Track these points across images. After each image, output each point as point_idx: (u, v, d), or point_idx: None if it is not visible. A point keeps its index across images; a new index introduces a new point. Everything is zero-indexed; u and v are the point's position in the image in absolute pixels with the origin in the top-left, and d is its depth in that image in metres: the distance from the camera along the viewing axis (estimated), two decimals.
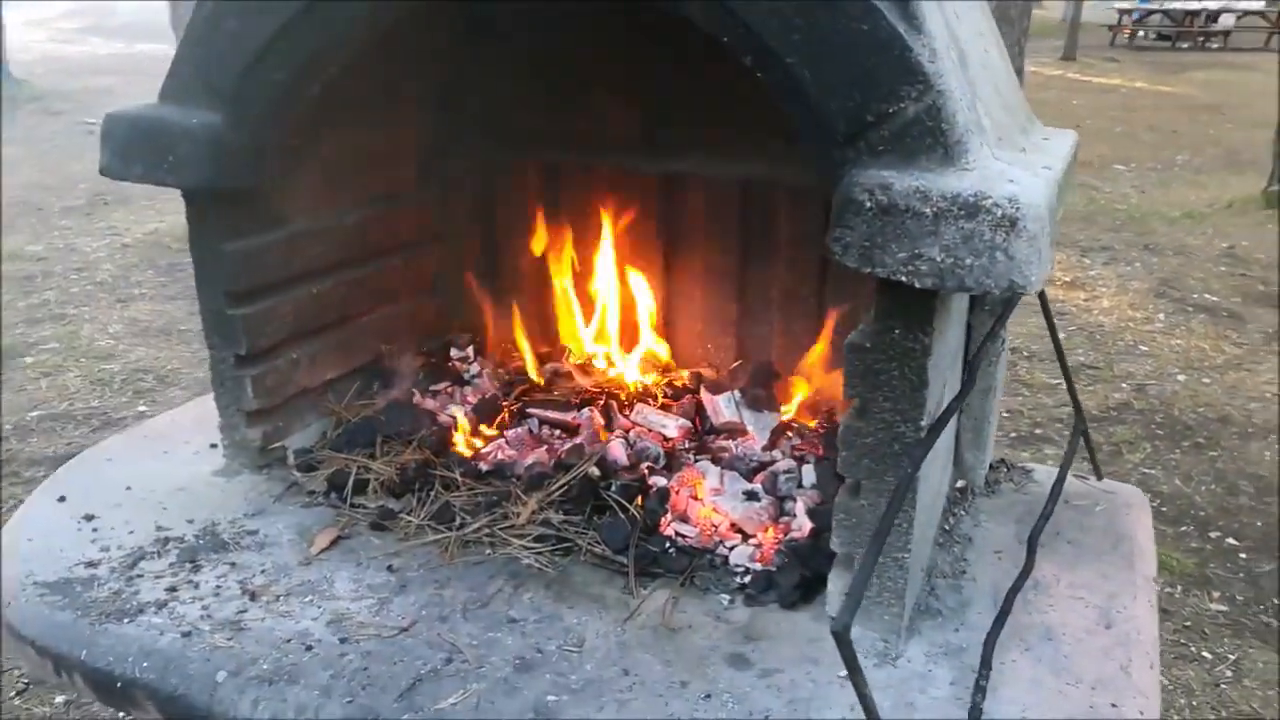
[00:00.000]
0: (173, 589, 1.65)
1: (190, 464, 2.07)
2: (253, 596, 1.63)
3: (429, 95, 2.24)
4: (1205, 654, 2.75)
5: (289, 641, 1.53)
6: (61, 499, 1.92)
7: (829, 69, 1.30)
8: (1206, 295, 5.62)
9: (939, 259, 1.21)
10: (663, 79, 2.06)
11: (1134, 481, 3.29)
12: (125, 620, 1.57)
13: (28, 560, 1.73)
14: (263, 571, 1.71)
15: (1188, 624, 2.86)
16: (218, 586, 1.67)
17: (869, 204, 1.25)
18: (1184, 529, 3.36)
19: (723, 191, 2.11)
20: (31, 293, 5.54)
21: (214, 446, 2.12)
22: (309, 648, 1.51)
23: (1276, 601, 2.93)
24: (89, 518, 1.86)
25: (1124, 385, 4.43)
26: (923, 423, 1.38)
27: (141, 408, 4.20)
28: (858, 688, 1.09)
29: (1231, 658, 2.72)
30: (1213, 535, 3.30)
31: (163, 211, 7.18)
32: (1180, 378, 4.53)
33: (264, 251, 1.93)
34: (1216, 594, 2.99)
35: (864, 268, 1.27)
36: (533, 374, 2.26)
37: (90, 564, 1.72)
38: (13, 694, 2.53)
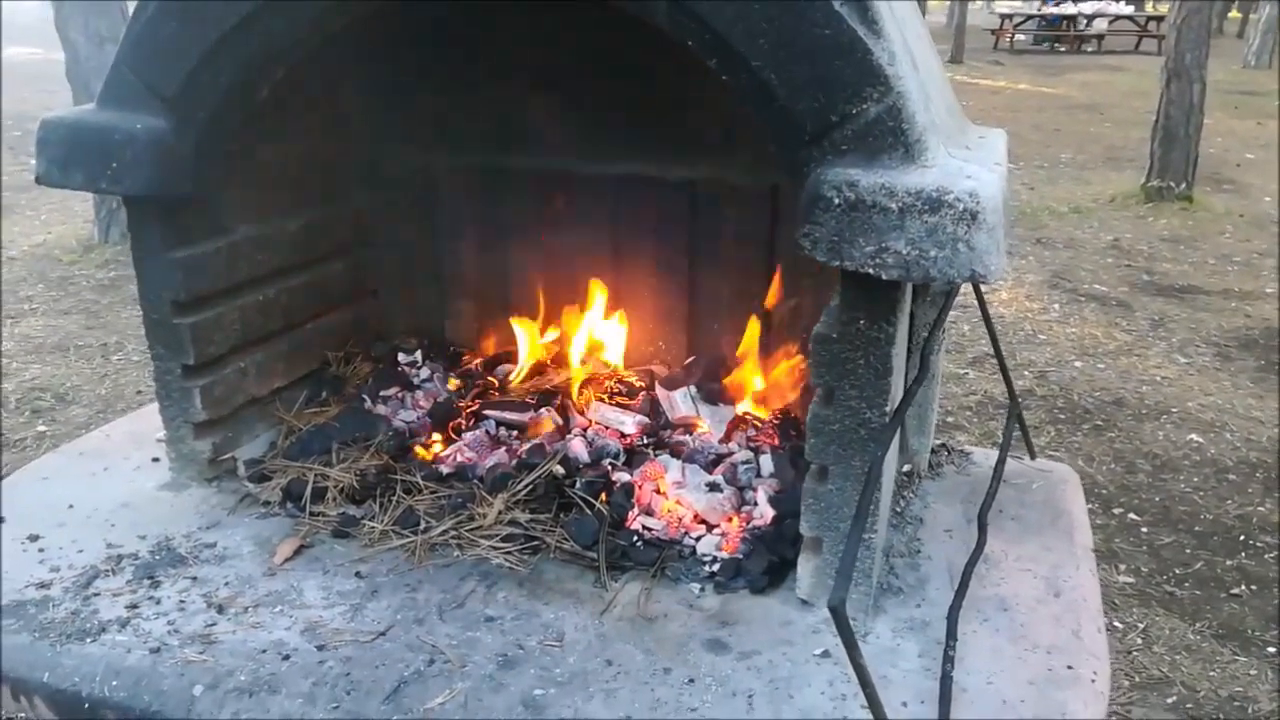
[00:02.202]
0: (134, 606, 1.61)
1: (133, 479, 2.01)
2: (220, 609, 1.60)
3: (370, 98, 2.23)
4: (1117, 624, 2.92)
5: (264, 652, 1.51)
6: (0, 520, 1.84)
7: (794, 72, 1.36)
8: (1096, 285, 5.94)
9: (905, 251, 1.28)
10: (607, 82, 2.10)
11: (1041, 459, 3.47)
12: (88, 640, 1.53)
13: None
14: (227, 584, 1.68)
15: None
16: (181, 601, 1.63)
17: (837, 200, 1.31)
18: (1090, 507, 3.53)
19: (670, 193, 2.15)
20: None
21: (156, 460, 2.06)
22: (286, 657, 1.50)
23: (1178, 572, 3.13)
24: (33, 538, 1.79)
25: (1026, 373, 4.66)
26: (887, 408, 1.45)
27: (41, 427, 4.00)
28: (855, 660, 1.15)
29: (1140, 626, 2.89)
30: (1116, 512, 3.50)
31: (50, 223, 6.85)
32: (1077, 364, 4.78)
33: (208, 259, 1.90)
34: (1123, 567, 3.17)
35: (833, 261, 1.33)
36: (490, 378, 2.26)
37: (42, 585, 1.66)
38: None
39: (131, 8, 1.94)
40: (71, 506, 1.90)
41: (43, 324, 5.07)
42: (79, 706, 1.45)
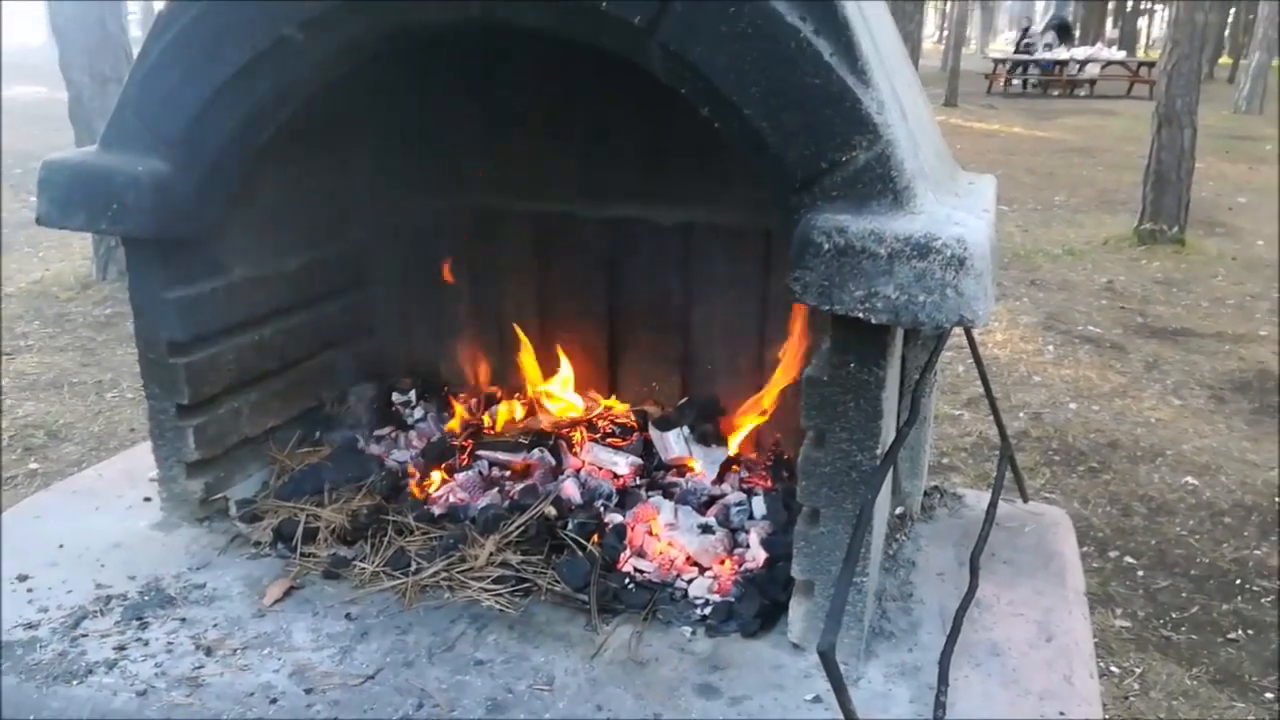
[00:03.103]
0: (121, 647, 1.60)
1: (124, 519, 2.00)
2: (208, 651, 1.59)
3: (369, 142, 2.26)
4: (1113, 669, 2.90)
5: (251, 695, 1.50)
6: None
7: (785, 120, 1.39)
8: (1090, 327, 5.97)
9: (894, 296, 1.30)
10: (604, 127, 2.13)
11: (1033, 502, 3.47)
12: (74, 681, 1.51)
13: None
14: (215, 626, 1.67)
15: (1095, 640, 3.02)
16: (169, 643, 1.62)
17: (827, 246, 1.32)
18: (1084, 549, 3.54)
19: (665, 235, 2.18)
20: None
21: (148, 500, 2.06)
22: (273, 700, 1.49)
23: (1174, 616, 3.11)
24: (22, 578, 1.78)
25: (1021, 414, 4.67)
26: (878, 451, 1.46)
27: (33, 465, 3.99)
28: (844, 705, 1.14)
29: (1137, 671, 2.87)
30: (1111, 555, 3.49)
31: (48, 260, 6.88)
32: (1072, 406, 4.80)
33: (206, 299, 1.91)
34: (1119, 610, 3.15)
35: (823, 305, 1.35)
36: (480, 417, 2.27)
37: (29, 625, 1.65)
38: None
39: (135, 49, 1.97)
40: (62, 546, 1.89)
41: (38, 361, 5.08)
42: None
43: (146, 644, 1.62)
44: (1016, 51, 22.17)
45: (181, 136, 1.70)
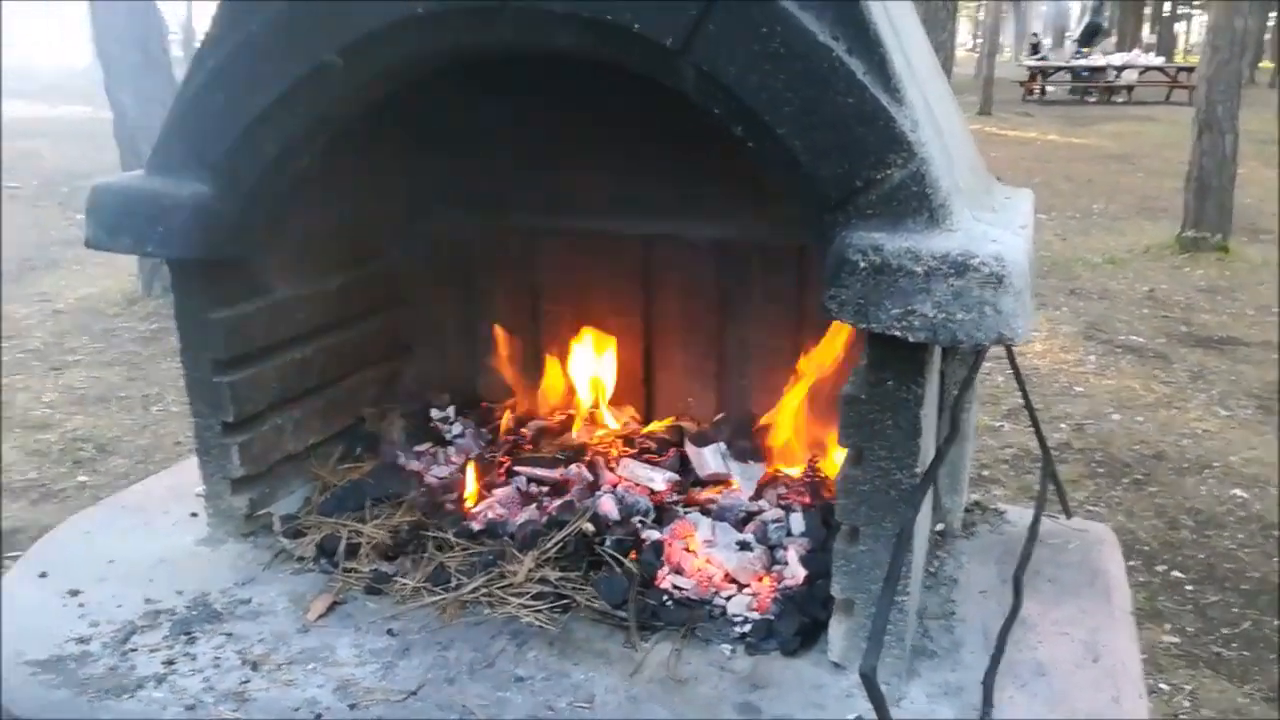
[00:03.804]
0: (170, 662, 1.63)
1: (171, 534, 2.04)
2: (254, 666, 1.62)
3: (406, 162, 2.29)
4: (1163, 685, 2.84)
5: (297, 710, 1.52)
6: (43, 575, 1.88)
7: (819, 139, 1.39)
8: (1133, 337, 5.88)
9: (931, 314, 1.30)
10: (638, 144, 2.14)
11: (1079, 518, 3.42)
12: (125, 696, 1.55)
13: (15, 639, 1.68)
14: (261, 640, 1.69)
15: (1143, 656, 2.96)
16: (216, 658, 1.65)
17: (863, 264, 1.32)
18: (1131, 564, 3.48)
19: (699, 252, 2.18)
20: None
21: (194, 515, 2.10)
22: (318, 716, 1.51)
23: (1225, 632, 3.05)
24: (74, 593, 1.82)
25: (1063, 426, 4.60)
26: (917, 469, 1.45)
27: (82, 478, 4.07)
28: None
29: (1188, 688, 2.81)
30: (1159, 569, 3.43)
31: (95, 276, 7.03)
32: (1115, 417, 4.72)
33: (249, 319, 1.94)
34: (1168, 626, 3.10)
35: (859, 323, 1.34)
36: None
37: (81, 640, 1.69)
38: None
39: (176, 70, 2.02)
40: (112, 561, 1.94)
41: (86, 375, 5.19)
42: None
43: (194, 659, 1.65)
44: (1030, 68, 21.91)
45: (224, 161, 1.73)
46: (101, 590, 1.83)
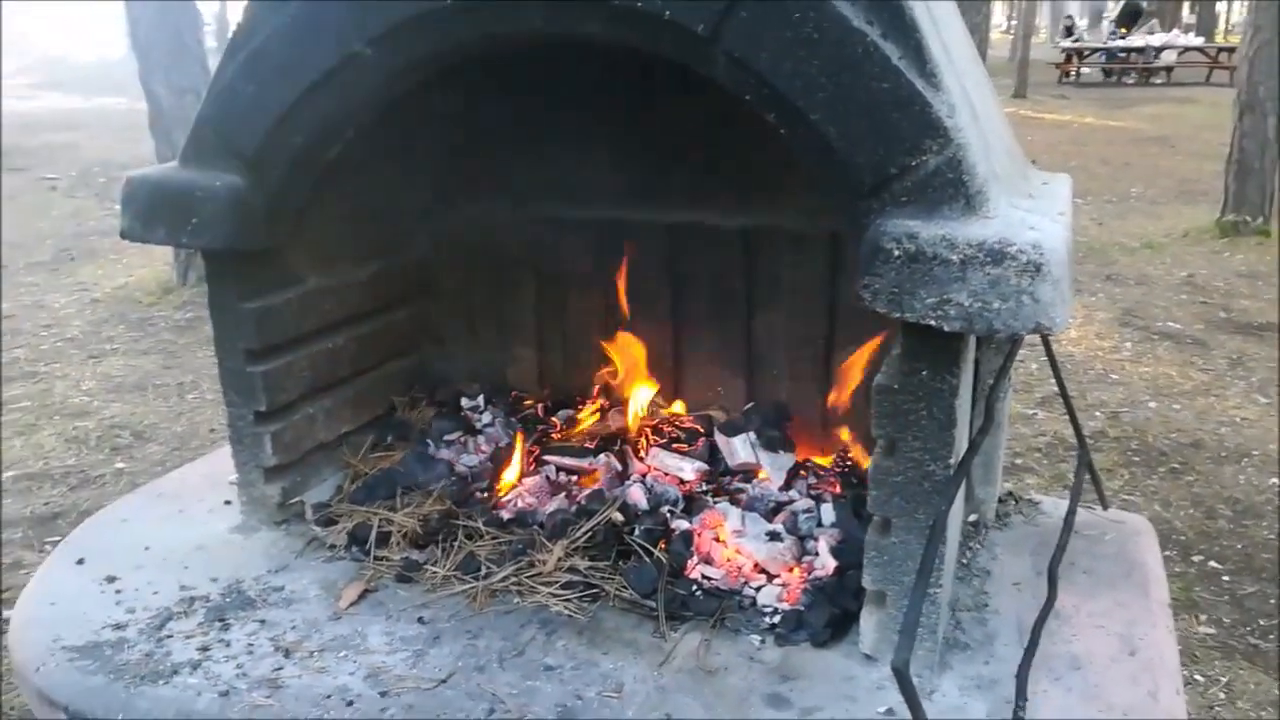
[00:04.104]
0: (205, 648, 1.65)
1: (206, 522, 2.06)
2: (287, 653, 1.63)
3: (435, 153, 2.29)
4: (1198, 677, 2.80)
5: (329, 698, 1.53)
6: (80, 561, 1.91)
7: (853, 125, 1.37)
8: (1170, 323, 5.78)
9: (967, 304, 1.27)
10: (665, 132, 2.12)
11: (1115, 508, 3.38)
12: (160, 682, 1.57)
13: (53, 625, 1.71)
14: (293, 628, 1.71)
15: (1179, 647, 2.92)
16: (250, 644, 1.66)
17: (897, 252, 1.30)
18: (1167, 554, 3.42)
19: (728, 240, 2.17)
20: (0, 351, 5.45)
21: (228, 503, 2.12)
22: (350, 703, 1.52)
23: (1262, 623, 3.00)
24: (110, 579, 1.85)
25: (1098, 414, 4.54)
26: (951, 460, 1.43)
27: (119, 464, 4.13)
28: None
29: (1223, 680, 2.77)
30: (1195, 559, 3.37)
31: (131, 266, 7.12)
32: (1151, 405, 4.65)
33: (281, 309, 1.96)
34: (1204, 617, 3.05)
35: (893, 312, 1.33)
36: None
37: (118, 626, 1.71)
38: None
39: (210, 60, 2.03)
40: (148, 548, 1.96)
41: (123, 363, 5.26)
42: None
43: (228, 645, 1.66)
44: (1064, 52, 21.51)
45: (256, 152, 1.74)
46: (138, 577, 1.86)
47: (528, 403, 2.39)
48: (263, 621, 1.73)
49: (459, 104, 2.17)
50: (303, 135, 1.75)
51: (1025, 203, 1.46)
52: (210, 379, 4.81)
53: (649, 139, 2.16)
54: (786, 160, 1.54)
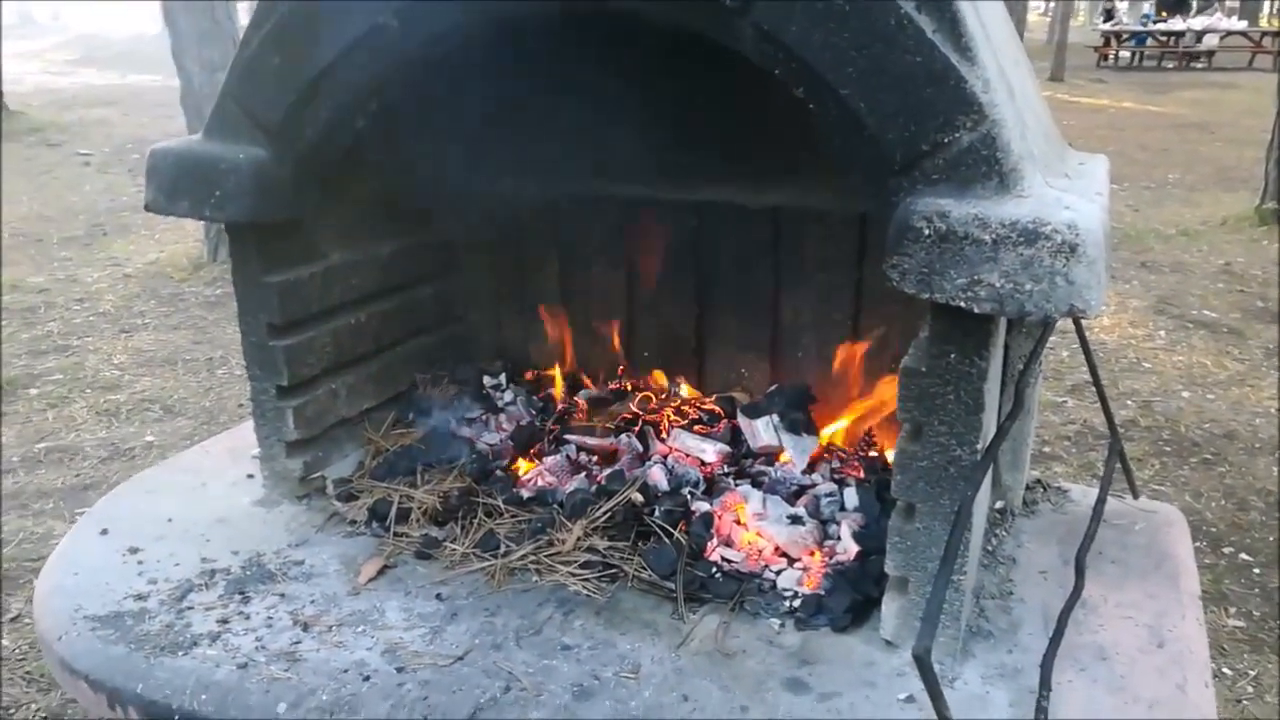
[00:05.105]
0: (224, 620, 1.66)
1: (228, 495, 2.07)
2: (305, 627, 1.64)
3: (460, 128, 2.27)
4: (1225, 670, 2.76)
5: (346, 672, 1.53)
6: (104, 532, 1.92)
7: (884, 100, 1.33)
8: (1206, 312, 5.67)
9: (998, 285, 1.24)
10: (691, 109, 2.09)
11: (1145, 498, 3.32)
12: (180, 653, 1.57)
13: (75, 594, 1.73)
14: (312, 602, 1.71)
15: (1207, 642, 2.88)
16: (269, 618, 1.67)
17: (927, 231, 1.27)
18: (1197, 545, 3.36)
19: (754, 219, 2.13)
20: (34, 324, 5.51)
21: (250, 477, 2.13)
22: (366, 678, 1.52)
23: None
24: (133, 550, 1.86)
25: (1129, 402, 4.46)
26: (978, 445, 1.40)
27: (149, 437, 4.18)
28: (940, 712, 1.10)
29: (1252, 673, 2.73)
30: (1226, 551, 3.32)
31: (163, 242, 7.18)
32: (1184, 394, 4.56)
33: (303, 284, 1.95)
34: (1233, 610, 3.00)
35: (922, 293, 1.29)
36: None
37: (139, 597, 1.72)
38: None
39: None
40: (170, 520, 1.97)
41: (154, 338, 5.31)
42: (170, 719, 1.49)
43: (248, 618, 1.67)
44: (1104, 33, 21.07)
45: (279, 124, 1.73)
46: (160, 548, 1.87)
47: (548, 381, 2.37)
48: (282, 595, 1.73)
49: (485, 80, 2.14)
50: (327, 108, 1.73)
51: (1061, 182, 1.41)
52: (239, 355, 4.77)
53: (677, 116, 2.13)
54: (816, 138, 1.51)
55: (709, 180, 2.14)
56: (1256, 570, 3.19)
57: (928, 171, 1.33)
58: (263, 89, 1.73)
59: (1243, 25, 20.98)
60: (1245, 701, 2.62)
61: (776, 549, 1.78)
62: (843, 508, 1.86)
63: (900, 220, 1.29)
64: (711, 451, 2.04)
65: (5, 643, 2.64)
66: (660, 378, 2.34)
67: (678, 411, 2.20)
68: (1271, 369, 4.82)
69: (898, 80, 1.32)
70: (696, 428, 2.14)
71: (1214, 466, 3.88)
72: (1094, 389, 2.07)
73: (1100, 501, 1.79)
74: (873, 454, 2.01)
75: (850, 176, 1.48)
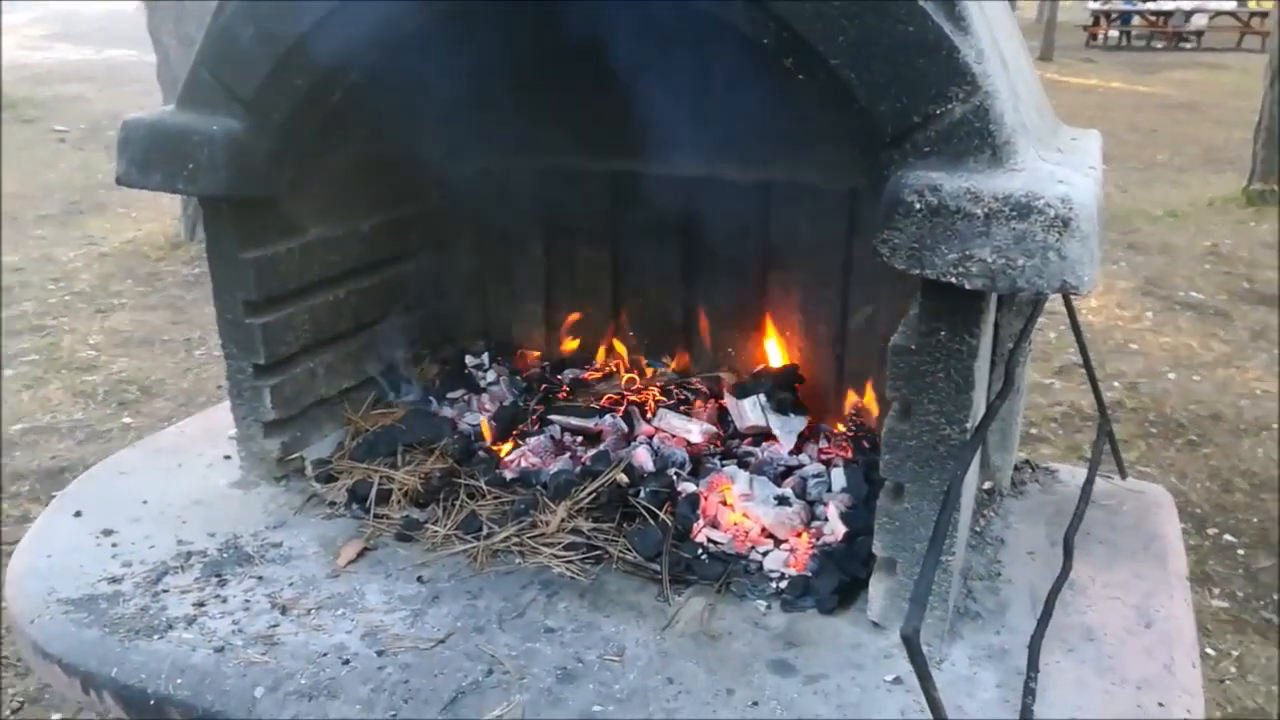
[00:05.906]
0: (200, 604, 1.62)
1: (205, 476, 2.03)
2: (283, 610, 1.61)
3: (441, 102, 2.22)
4: (1209, 650, 2.77)
5: (325, 655, 1.50)
6: (78, 514, 1.88)
7: (875, 71, 1.30)
8: (1192, 293, 5.68)
9: (990, 260, 1.21)
10: (679, 83, 2.05)
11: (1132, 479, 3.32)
12: (155, 636, 1.54)
13: (48, 577, 1.69)
14: (291, 584, 1.68)
15: None
16: (246, 601, 1.63)
17: (918, 205, 1.24)
18: (1182, 526, 3.37)
19: (743, 195, 2.10)
20: (9, 304, 5.43)
21: (227, 458, 2.09)
22: (346, 661, 1.49)
23: (1276, 597, 2.95)
24: (107, 532, 1.82)
25: (1116, 384, 4.47)
26: (967, 425, 1.38)
27: (126, 419, 4.13)
28: (927, 691, 1.08)
29: (1234, 654, 2.74)
30: (1210, 532, 3.33)
31: (140, 220, 7.09)
32: (1171, 376, 4.57)
33: (281, 260, 1.91)
34: (1216, 590, 3.01)
35: (913, 269, 1.26)
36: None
37: (113, 580, 1.68)
38: (7, 713, 2.46)
39: None
40: (146, 502, 1.93)
41: (131, 318, 5.24)
42: (145, 703, 1.46)
43: (224, 601, 1.64)
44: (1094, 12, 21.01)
45: (255, 95, 1.68)
46: (135, 530, 1.83)
47: (533, 359, 2.34)
48: (260, 578, 1.70)
49: (468, 52, 2.09)
50: (304, 77, 1.68)
51: (1054, 155, 1.39)
52: (217, 335, 4.76)
53: (666, 89, 2.09)
54: (806, 111, 1.47)
55: (699, 155, 2.10)
56: (1240, 551, 3.20)
57: (919, 144, 1.30)
58: (237, 59, 1.68)
59: (1231, 5, 20.99)
60: (1228, 682, 2.63)
61: (763, 530, 1.76)
62: (830, 489, 1.84)
63: (891, 194, 1.26)
64: (698, 432, 2.01)
65: None
66: (646, 357, 2.30)
67: (664, 391, 2.17)
68: (1257, 350, 4.84)
69: (889, 50, 1.29)
70: (683, 408, 2.11)
71: (1199, 448, 3.89)
72: (1081, 370, 2.06)
73: (1089, 482, 1.77)
74: (860, 434, 1.99)
75: (840, 150, 1.45)
